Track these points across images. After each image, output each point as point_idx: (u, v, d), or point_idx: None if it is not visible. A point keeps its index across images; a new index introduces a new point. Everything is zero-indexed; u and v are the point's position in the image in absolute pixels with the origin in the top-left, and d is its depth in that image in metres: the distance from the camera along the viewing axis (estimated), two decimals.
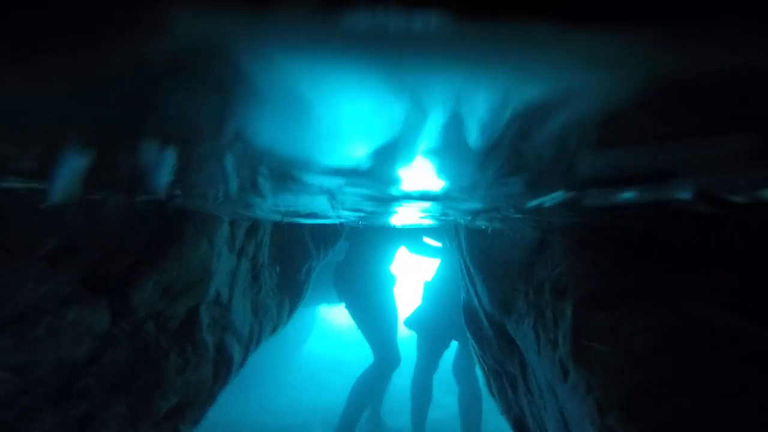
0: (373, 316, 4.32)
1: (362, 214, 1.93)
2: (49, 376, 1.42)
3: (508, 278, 1.85)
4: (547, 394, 1.54)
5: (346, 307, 4.51)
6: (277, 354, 6.54)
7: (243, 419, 4.98)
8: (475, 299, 2.32)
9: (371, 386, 4.32)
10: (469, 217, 1.79)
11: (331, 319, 9.11)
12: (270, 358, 6.33)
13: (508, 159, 0.92)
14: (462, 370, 4.44)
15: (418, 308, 4.59)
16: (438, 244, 4.62)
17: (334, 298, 6.42)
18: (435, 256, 4.69)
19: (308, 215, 1.97)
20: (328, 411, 5.19)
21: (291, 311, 2.85)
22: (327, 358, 7.39)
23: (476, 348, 2.44)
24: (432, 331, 4.43)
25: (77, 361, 1.49)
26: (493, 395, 2.37)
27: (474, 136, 0.79)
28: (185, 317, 1.84)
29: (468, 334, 2.52)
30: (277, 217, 2.07)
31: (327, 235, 3.26)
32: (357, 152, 0.95)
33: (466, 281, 2.49)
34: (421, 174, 1.11)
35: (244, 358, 2.35)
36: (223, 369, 2.12)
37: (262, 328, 2.51)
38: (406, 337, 5.21)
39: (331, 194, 1.41)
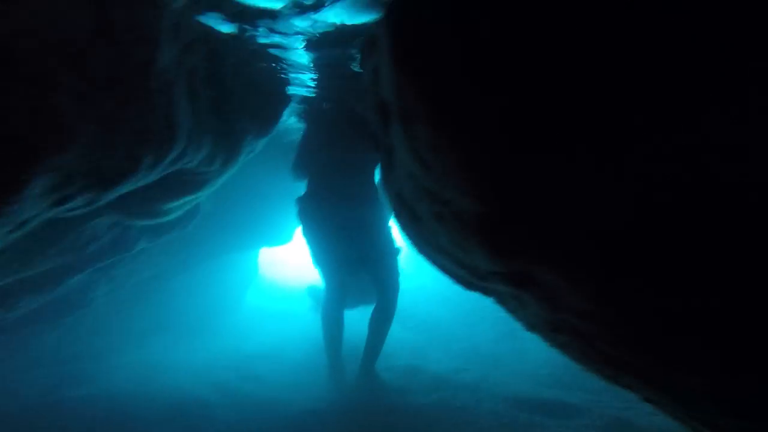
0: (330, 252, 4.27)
1: None
2: None
3: None
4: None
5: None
6: (219, 302, 6.58)
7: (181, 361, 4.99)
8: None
9: (329, 314, 4.36)
10: None
11: (272, 275, 9.19)
12: (212, 306, 6.37)
13: None
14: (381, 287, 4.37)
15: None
16: None
17: (275, 239, 6.46)
18: None
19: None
20: (269, 355, 5.33)
21: (224, 163, 3.01)
22: (269, 309, 7.50)
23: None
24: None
25: None
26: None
27: None
28: None
29: None
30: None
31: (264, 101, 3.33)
32: None
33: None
34: None
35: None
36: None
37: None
38: None
39: None
